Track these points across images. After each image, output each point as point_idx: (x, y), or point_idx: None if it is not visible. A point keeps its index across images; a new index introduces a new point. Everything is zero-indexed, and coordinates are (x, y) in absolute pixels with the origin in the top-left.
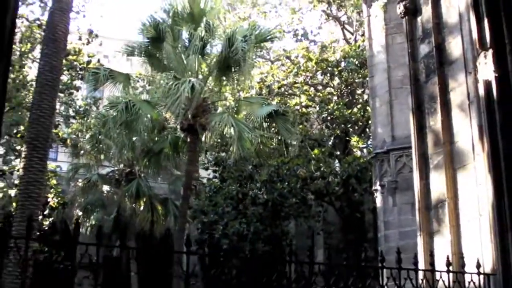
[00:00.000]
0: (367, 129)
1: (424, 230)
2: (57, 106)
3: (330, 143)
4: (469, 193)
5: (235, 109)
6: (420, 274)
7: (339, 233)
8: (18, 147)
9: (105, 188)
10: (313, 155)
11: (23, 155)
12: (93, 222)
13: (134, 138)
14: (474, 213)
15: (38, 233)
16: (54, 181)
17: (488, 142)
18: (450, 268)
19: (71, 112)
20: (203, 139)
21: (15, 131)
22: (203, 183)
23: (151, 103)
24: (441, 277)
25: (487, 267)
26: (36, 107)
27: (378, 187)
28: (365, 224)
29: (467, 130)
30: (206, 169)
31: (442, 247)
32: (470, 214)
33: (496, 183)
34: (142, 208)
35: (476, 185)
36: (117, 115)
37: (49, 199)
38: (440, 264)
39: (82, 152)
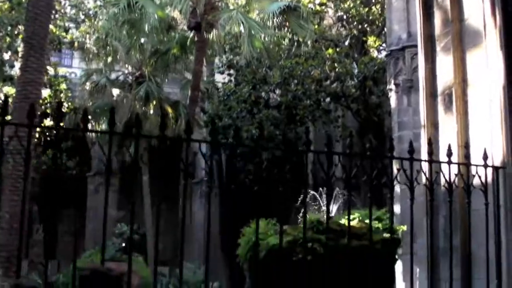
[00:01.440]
0: (385, 29)
1: (429, 120)
2: (67, 10)
3: (346, 43)
4: (478, 77)
5: (245, 6)
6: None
7: (357, 137)
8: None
9: (115, 92)
10: (328, 55)
11: (20, 55)
12: (103, 127)
13: (142, 40)
14: (484, 99)
15: (49, 139)
16: (64, 86)
17: (501, 16)
18: (452, 159)
19: (81, 16)
20: (211, 37)
21: (16, 32)
22: (218, 87)
23: (154, 0)
24: (441, 169)
25: (496, 159)
26: (32, 5)
27: (392, 86)
28: (384, 128)
29: (478, 5)
30: (221, 73)
31: (448, 138)
32: (479, 100)
33: (508, 61)
34: (152, 111)
35: (487, 67)
36: (118, 12)
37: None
38: (444, 157)
39: (91, 55)
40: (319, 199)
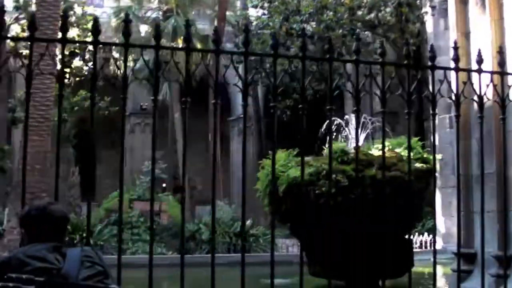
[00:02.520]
0: None
1: (460, 29)
2: None
3: None
4: None
5: None
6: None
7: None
8: None
9: (143, 28)
10: None
11: None
12: (131, 63)
13: None
14: None
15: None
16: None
17: None
18: (484, 68)
19: None
20: None
21: None
22: (251, 21)
23: None
24: (469, 79)
25: None
26: None
27: (428, 9)
28: (422, 58)
29: None
30: (255, 7)
31: (480, 47)
32: None
33: None
34: (180, 46)
35: None
36: None
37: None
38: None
39: None
40: (346, 128)
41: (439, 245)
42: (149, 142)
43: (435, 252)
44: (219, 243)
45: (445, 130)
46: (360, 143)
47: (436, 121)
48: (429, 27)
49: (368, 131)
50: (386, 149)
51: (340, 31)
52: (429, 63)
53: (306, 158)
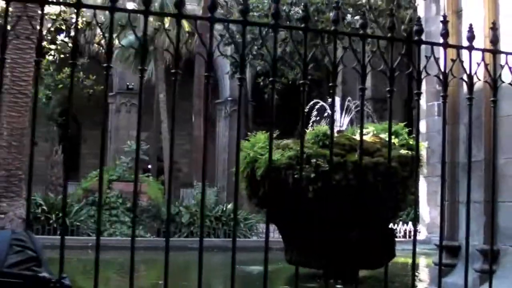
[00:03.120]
0: None
1: (451, 7)
2: None
3: None
4: None
5: None
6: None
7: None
8: None
9: (129, 5)
10: None
11: None
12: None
13: None
14: None
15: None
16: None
17: None
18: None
19: None
20: None
21: None
22: (240, 2)
23: None
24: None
25: None
26: None
27: None
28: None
29: None
30: None
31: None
32: None
33: None
34: (167, 25)
35: None
36: None
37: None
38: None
39: None
40: (329, 110)
41: (423, 235)
42: (134, 122)
43: (414, 245)
44: (198, 226)
45: (433, 118)
46: (344, 127)
47: (424, 107)
48: (421, 11)
49: (351, 115)
50: (370, 134)
51: (331, 14)
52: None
53: (286, 141)
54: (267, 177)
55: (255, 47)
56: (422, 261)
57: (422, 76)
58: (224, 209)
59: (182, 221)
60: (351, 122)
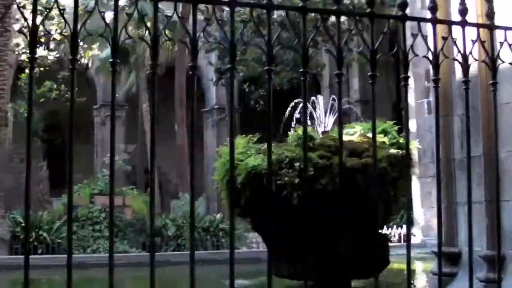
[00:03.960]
0: None
1: None
2: None
3: None
4: None
5: None
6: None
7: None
8: None
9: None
10: None
11: None
12: (96, 52)
13: None
14: None
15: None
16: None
17: None
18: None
19: None
20: None
21: None
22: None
23: None
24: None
25: None
26: None
27: None
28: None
29: None
30: None
31: None
32: None
33: None
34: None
35: None
36: None
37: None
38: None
39: None
40: (313, 110)
41: (418, 238)
42: (121, 135)
43: (409, 252)
44: (186, 238)
45: (423, 116)
46: (329, 128)
47: (413, 105)
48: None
49: (337, 115)
50: (358, 133)
51: (313, 14)
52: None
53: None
54: (249, 184)
55: (239, 51)
56: (418, 267)
57: (410, 58)
58: (213, 219)
59: (168, 234)
60: (336, 121)
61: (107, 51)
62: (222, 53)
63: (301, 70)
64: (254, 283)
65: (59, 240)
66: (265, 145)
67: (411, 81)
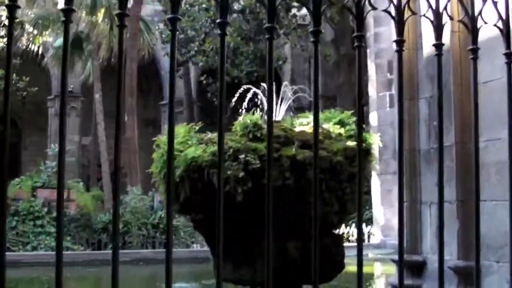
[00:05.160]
0: None
1: None
2: None
3: None
4: None
5: None
6: None
7: (332, 47)
8: None
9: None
10: None
11: None
12: (49, 39)
13: None
14: None
15: None
16: None
17: None
18: None
19: None
20: None
21: None
22: None
23: None
24: None
25: None
26: None
27: None
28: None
29: None
30: None
31: None
32: None
33: None
34: (100, 20)
35: None
36: None
37: None
38: None
39: None
40: (263, 97)
41: (378, 238)
42: (75, 126)
43: (360, 258)
44: (132, 235)
45: (384, 110)
46: (281, 117)
47: (374, 97)
48: None
49: (288, 103)
50: (311, 124)
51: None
52: None
53: (210, 135)
54: (188, 178)
55: (197, 42)
56: (378, 268)
57: (365, 13)
58: (162, 215)
59: None
60: (289, 109)
61: (61, 39)
62: (180, 44)
63: (266, 25)
64: (193, 286)
65: None
66: (208, 135)
67: (372, 73)
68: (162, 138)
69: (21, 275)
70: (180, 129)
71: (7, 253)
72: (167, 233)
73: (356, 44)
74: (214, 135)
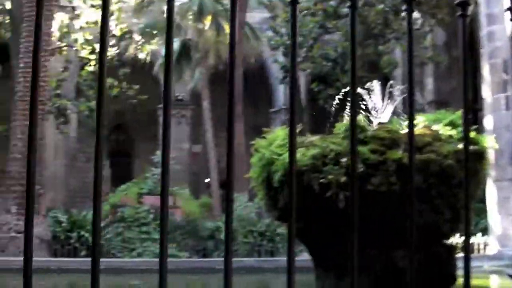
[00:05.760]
0: None
1: None
2: None
3: None
4: None
5: None
6: None
7: (445, 49)
8: None
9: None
10: None
11: None
12: (156, 47)
13: None
14: None
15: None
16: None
17: None
18: None
19: None
20: None
21: None
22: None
23: None
24: None
25: None
26: None
27: None
28: (475, 38)
29: None
30: None
31: None
32: None
33: None
34: (207, 27)
35: None
36: None
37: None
38: None
39: None
40: (367, 97)
41: (494, 249)
42: (185, 134)
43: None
44: (239, 243)
45: (499, 112)
46: (387, 118)
47: (489, 99)
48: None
49: (396, 103)
50: (421, 125)
51: (382, 6)
52: None
53: (311, 138)
54: (287, 183)
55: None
56: (495, 281)
57: None
58: (269, 223)
59: (221, 237)
60: (394, 111)
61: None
62: (286, 50)
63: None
64: None
65: (102, 242)
66: (309, 138)
67: (486, 74)
68: (261, 141)
69: (121, 282)
70: (280, 132)
71: (111, 259)
72: (225, 243)
73: (459, 12)
74: (314, 138)
